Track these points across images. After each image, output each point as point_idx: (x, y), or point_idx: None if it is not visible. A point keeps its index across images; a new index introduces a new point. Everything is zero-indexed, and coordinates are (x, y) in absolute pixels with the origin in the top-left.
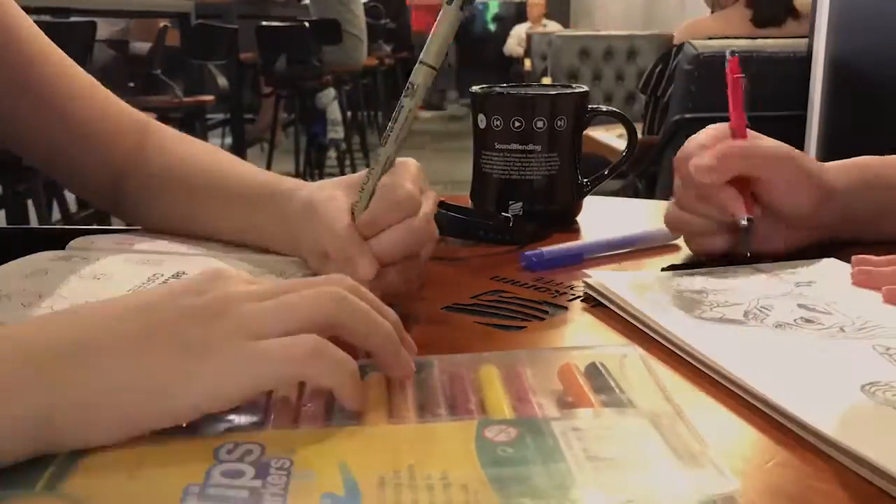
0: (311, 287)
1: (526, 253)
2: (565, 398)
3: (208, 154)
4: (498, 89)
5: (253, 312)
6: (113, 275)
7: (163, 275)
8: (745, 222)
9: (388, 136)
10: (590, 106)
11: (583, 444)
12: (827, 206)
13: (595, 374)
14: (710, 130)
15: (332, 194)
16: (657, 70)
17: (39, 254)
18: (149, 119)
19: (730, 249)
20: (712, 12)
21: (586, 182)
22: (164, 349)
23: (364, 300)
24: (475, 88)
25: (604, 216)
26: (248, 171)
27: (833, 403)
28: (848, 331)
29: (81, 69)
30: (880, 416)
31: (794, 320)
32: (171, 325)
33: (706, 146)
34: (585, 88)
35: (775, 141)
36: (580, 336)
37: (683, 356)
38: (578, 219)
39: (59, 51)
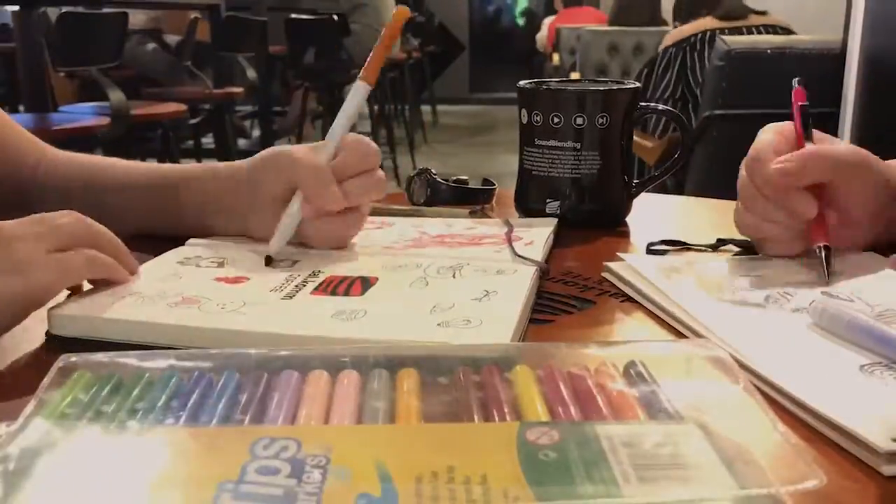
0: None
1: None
2: (606, 401)
3: (109, 160)
4: (537, 84)
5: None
6: (251, 277)
7: (299, 275)
8: (820, 250)
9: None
10: (641, 104)
11: (629, 452)
12: (892, 204)
13: (637, 374)
14: (779, 133)
15: (291, 146)
16: (643, 74)
17: (164, 256)
18: (45, 143)
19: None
20: (683, 24)
21: (634, 183)
22: None
23: (93, 232)
24: (521, 83)
25: (652, 216)
26: (154, 165)
27: (826, 380)
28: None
29: None
30: (867, 391)
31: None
32: None
33: (778, 150)
34: (636, 84)
35: (849, 145)
36: (609, 331)
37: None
38: (627, 219)
39: None
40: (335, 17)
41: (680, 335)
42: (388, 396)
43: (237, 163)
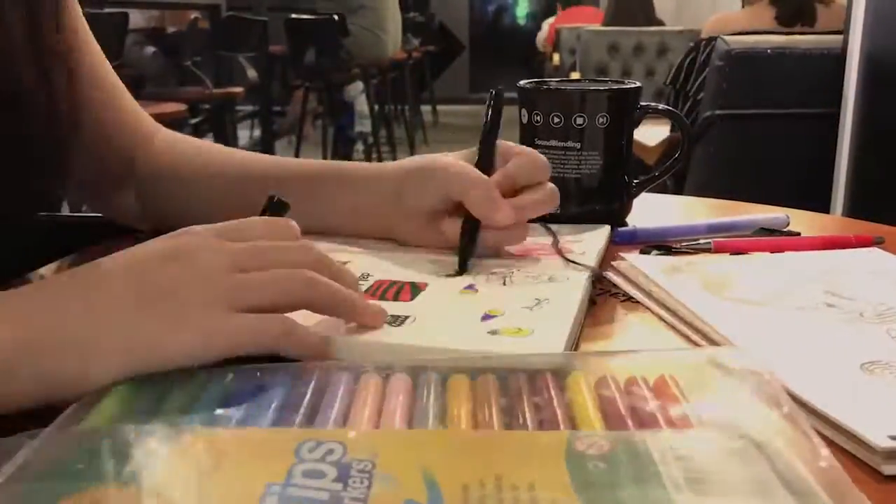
0: (283, 255)
1: (619, 230)
2: (662, 413)
3: (239, 151)
4: (537, 84)
5: (233, 285)
6: None
7: None
8: None
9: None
10: (641, 103)
11: (681, 465)
12: None
13: (695, 388)
14: None
15: (445, 157)
16: (686, 63)
17: None
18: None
19: None
20: (742, 7)
21: (634, 183)
22: (152, 314)
23: (325, 265)
24: (521, 83)
25: (652, 216)
26: (291, 160)
27: (826, 377)
28: (867, 316)
29: (112, 71)
30: (867, 389)
31: (816, 304)
32: (154, 296)
33: None
34: (636, 84)
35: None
36: (610, 331)
37: (699, 339)
38: (628, 220)
39: (96, 43)
40: (335, 17)
41: (681, 335)
42: (439, 402)
43: (374, 170)
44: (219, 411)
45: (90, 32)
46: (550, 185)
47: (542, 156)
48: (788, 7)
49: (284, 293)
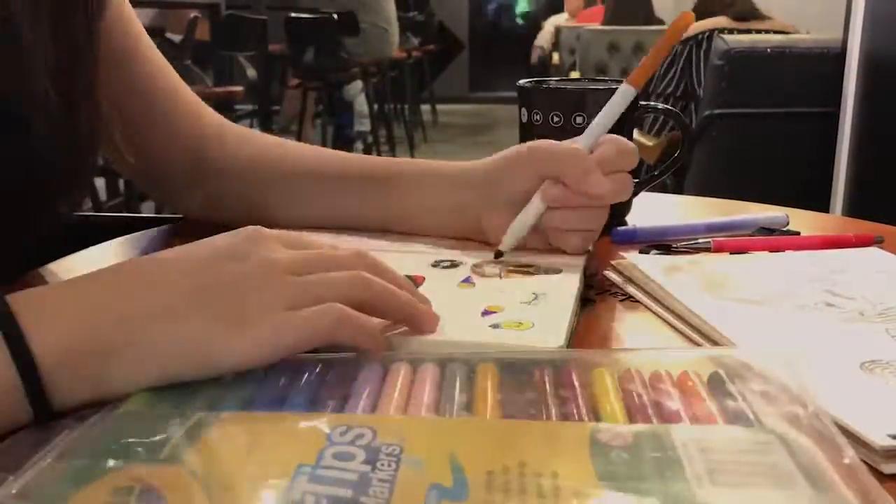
0: (339, 263)
1: (619, 229)
2: (685, 408)
3: (318, 149)
4: (537, 83)
5: (291, 287)
6: None
7: None
8: None
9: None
10: (641, 103)
11: (704, 457)
12: None
13: (718, 384)
14: None
15: (538, 141)
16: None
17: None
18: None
19: None
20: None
21: (634, 182)
22: (204, 317)
23: (381, 271)
24: (521, 82)
25: (652, 216)
26: (371, 157)
27: (826, 376)
28: (867, 315)
29: (171, 68)
30: (866, 388)
31: (815, 304)
32: (211, 292)
33: None
34: None
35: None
36: (609, 329)
37: (699, 338)
38: (627, 219)
39: (153, 48)
40: (335, 16)
41: (681, 335)
42: (466, 391)
43: (461, 165)
44: (252, 400)
45: (145, 35)
46: (626, 175)
47: (627, 142)
48: (740, 10)
49: (341, 295)
